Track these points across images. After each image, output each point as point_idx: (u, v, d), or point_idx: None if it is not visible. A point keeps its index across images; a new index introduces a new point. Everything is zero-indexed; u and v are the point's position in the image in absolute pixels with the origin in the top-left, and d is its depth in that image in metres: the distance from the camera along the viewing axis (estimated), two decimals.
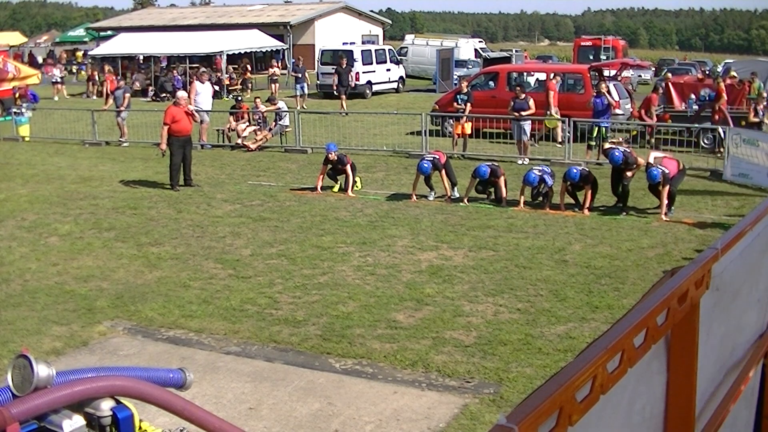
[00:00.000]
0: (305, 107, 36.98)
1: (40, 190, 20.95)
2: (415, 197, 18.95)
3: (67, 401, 5.95)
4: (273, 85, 42.17)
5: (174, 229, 16.88)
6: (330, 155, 19.83)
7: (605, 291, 12.59)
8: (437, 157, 18.99)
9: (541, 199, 18.18)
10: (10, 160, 25.64)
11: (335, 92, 39.10)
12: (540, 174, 17.80)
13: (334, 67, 41.28)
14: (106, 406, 6.15)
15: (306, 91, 40.68)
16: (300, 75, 40.89)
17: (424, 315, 11.81)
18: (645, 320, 2.44)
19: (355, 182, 20.08)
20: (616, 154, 17.46)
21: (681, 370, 2.93)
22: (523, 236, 15.70)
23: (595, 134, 23.85)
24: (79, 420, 5.91)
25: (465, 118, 25.39)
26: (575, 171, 17.27)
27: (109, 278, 13.86)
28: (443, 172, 18.92)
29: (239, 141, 27.33)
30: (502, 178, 18.27)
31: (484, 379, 9.73)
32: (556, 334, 10.93)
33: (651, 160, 17.14)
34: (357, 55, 46.51)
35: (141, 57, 52.23)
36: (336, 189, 20.14)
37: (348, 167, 19.84)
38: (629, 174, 17.48)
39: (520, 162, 23.17)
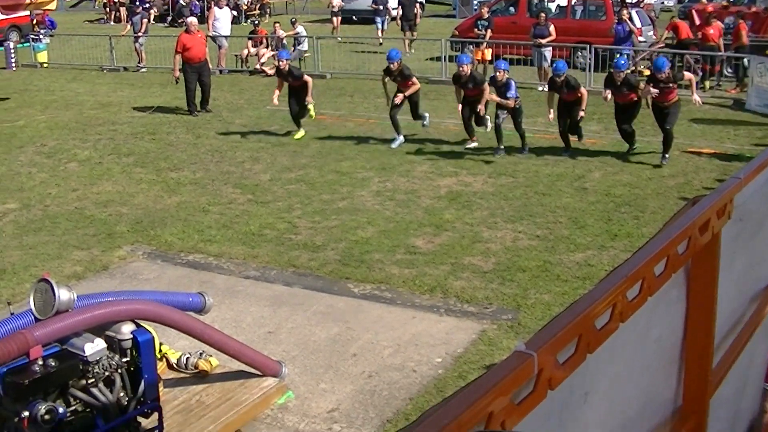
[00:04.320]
0: (381, 42, 32.91)
1: (59, 116, 20.94)
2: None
3: (88, 324, 6.02)
4: (335, 18, 37.98)
5: (193, 155, 16.89)
6: (281, 63, 17.87)
7: (624, 219, 12.56)
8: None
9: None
10: (29, 87, 25.60)
11: (400, 28, 33.99)
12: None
13: None
14: (126, 329, 6.24)
15: (386, 26, 35.62)
16: (381, 7, 35.62)
17: (442, 241, 11.83)
18: (666, 249, 2.43)
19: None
20: (622, 61, 16.28)
21: (701, 300, 2.92)
22: (543, 163, 15.62)
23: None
24: (100, 343, 5.99)
25: (485, 44, 25.16)
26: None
27: (128, 203, 13.92)
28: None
29: (258, 66, 27.18)
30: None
31: (503, 306, 9.77)
32: (575, 262, 10.93)
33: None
34: None
35: None
36: (312, 114, 18.57)
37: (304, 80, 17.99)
38: (633, 97, 15.71)
39: (540, 89, 22.94)
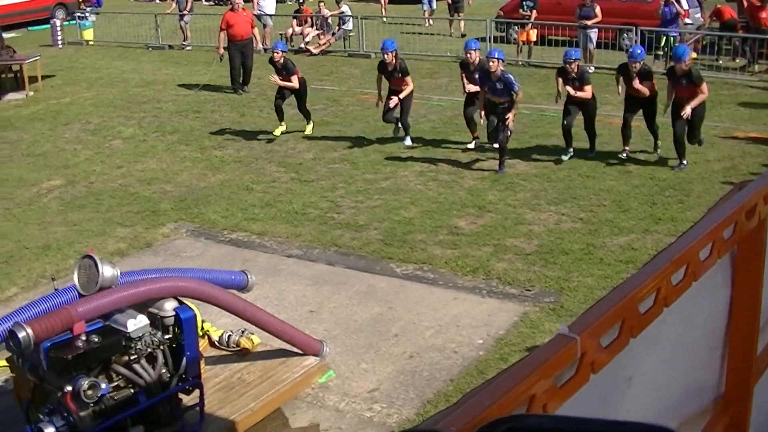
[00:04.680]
0: (431, 23, 32.00)
1: (104, 93, 21.09)
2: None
3: (131, 301, 6.08)
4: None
5: (237, 133, 16.95)
6: (275, 54, 16.02)
7: (669, 203, 12.44)
8: None
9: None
10: (75, 64, 25.78)
11: (449, 12, 31.74)
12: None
13: None
14: (169, 306, 6.29)
15: (434, 6, 33.22)
16: None
17: (485, 222, 11.81)
18: (712, 233, 2.40)
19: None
20: (638, 51, 14.66)
21: (746, 286, 2.89)
22: (586, 145, 15.48)
23: (662, 44, 23.30)
24: (143, 319, 6.04)
25: (530, 25, 24.98)
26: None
27: (172, 181, 14.02)
28: None
29: (302, 45, 27.20)
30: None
31: (545, 288, 9.74)
32: (618, 245, 10.86)
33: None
34: None
35: None
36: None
37: (294, 77, 16.20)
38: (642, 87, 14.33)
39: (590, 70, 22.75)
